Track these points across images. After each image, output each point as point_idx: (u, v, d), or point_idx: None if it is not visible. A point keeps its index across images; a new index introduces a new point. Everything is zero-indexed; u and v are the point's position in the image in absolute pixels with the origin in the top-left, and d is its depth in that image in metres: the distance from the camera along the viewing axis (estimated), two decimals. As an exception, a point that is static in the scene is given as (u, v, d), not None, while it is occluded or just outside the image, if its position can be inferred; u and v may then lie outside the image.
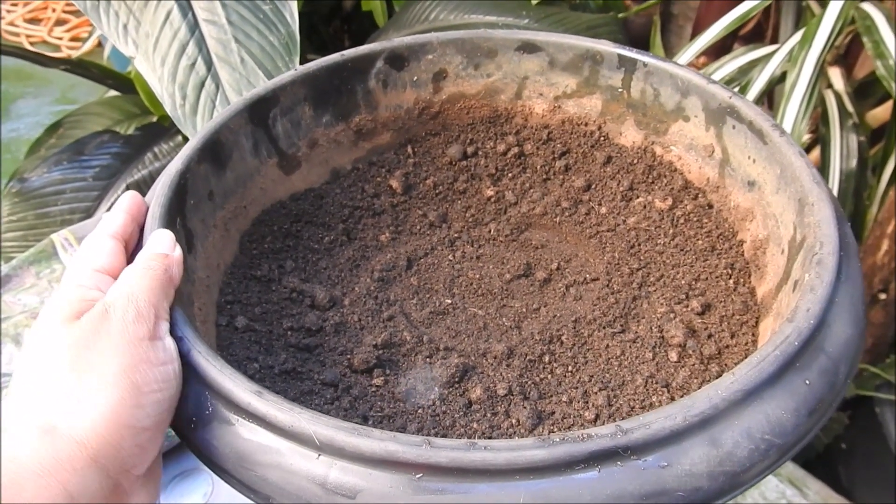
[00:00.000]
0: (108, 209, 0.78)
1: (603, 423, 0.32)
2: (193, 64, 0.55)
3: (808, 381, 0.25)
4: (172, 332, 0.28)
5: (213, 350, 0.27)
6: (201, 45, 0.56)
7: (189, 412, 0.26)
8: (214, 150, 0.38)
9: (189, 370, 0.26)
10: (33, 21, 1.99)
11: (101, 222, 0.32)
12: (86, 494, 0.23)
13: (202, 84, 0.55)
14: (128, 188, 0.80)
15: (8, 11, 1.98)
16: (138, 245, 0.32)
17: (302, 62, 0.57)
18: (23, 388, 0.25)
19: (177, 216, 0.34)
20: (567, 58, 0.45)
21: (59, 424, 0.23)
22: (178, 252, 0.31)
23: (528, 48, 0.45)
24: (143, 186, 0.81)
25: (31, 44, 1.93)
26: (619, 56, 0.43)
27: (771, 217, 0.36)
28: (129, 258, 0.31)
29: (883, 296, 0.83)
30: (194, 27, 0.56)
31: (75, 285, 0.28)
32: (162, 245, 0.31)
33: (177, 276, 0.30)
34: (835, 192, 0.69)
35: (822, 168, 0.69)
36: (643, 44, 0.96)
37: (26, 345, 0.27)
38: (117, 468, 0.24)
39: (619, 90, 0.44)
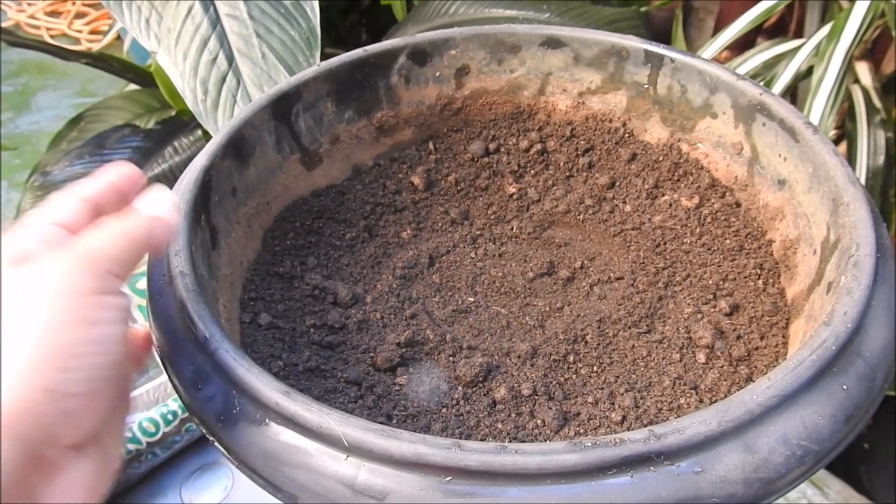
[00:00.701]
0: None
1: (630, 425, 0.32)
2: (215, 59, 0.55)
3: (845, 387, 0.25)
4: (199, 331, 0.27)
5: (239, 348, 0.27)
6: (223, 39, 0.56)
7: (216, 410, 0.26)
8: (238, 146, 0.38)
9: (216, 368, 0.26)
10: (53, 14, 2.01)
11: (77, 184, 0.27)
12: (5, 474, 0.20)
13: (223, 79, 0.55)
14: (148, 182, 0.80)
15: (29, 4, 2.00)
16: (177, 237, 0.30)
17: (321, 56, 0.57)
18: None
19: (201, 212, 0.34)
20: (592, 53, 0.44)
21: None
22: (172, 216, 0.27)
23: (553, 43, 0.45)
24: (163, 180, 0.81)
25: (52, 37, 1.94)
26: (646, 52, 0.42)
27: (802, 216, 0.35)
28: None
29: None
30: (216, 22, 0.56)
31: (27, 231, 0.25)
32: (157, 205, 0.27)
33: (161, 240, 0.26)
34: (861, 190, 0.67)
35: (849, 164, 0.68)
36: (665, 38, 0.95)
37: None
38: (39, 437, 0.21)
39: (645, 86, 0.43)
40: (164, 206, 0.27)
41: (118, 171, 0.28)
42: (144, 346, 0.30)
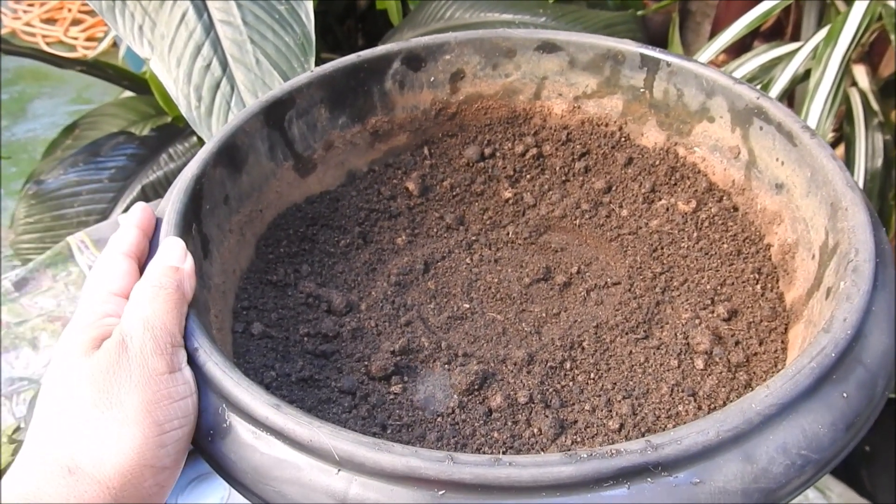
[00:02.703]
0: (124, 211, 0.78)
1: (627, 433, 0.31)
2: (209, 65, 0.55)
3: (845, 394, 0.24)
4: (188, 343, 0.27)
5: (229, 360, 0.27)
6: (216, 46, 0.55)
7: (206, 425, 0.25)
8: (230, 154, 0.38)
9: (206, 382, 0.26)
10: (49, 21, 2.00)
11: (112, 240, 0.32)
12: None
13: (217, 85, 0.55)
14: (143, 190, 0.80)
15: (24, 12, 2.00)
16: (149, 257, 0.32)
17: (316, 62, 0.57)
18: (46, 423, 0.25)
19: (193, 222, 0.34)
20: (588, 57, 0.44)
21: (83, 464, 0.24)
22: (189, 264, 0.30)
23: (548, 48, 0.44)
24: (158, 188, 0.81)
25: (48, 44, 1.94)
26: (642, 55, 0.42)
27: (800, 221, 0.35)
28: (141, 272, 0.31)
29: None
30: (209, 28, 0.56)
31: (92, 311, 0.28)
32: (173, 257, 0.30)
33: (189, 290, 0.30)
34: (859, 192, 0.67)
35: (847, 167, 0.68)
36: (661, 41, 0.95)
37: (47, 376, 0.27)
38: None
39: (642, 90, 0.43)
40: (177, 254, 0.30)
41: (140, 215, 0.32)
42: None
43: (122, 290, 0.29)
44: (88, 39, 1.94)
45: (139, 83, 0.96)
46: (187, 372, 0.26)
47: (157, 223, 0.33)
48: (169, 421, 0.25)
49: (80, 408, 0.24)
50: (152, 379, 0.25)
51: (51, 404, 0.25)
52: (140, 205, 0.34)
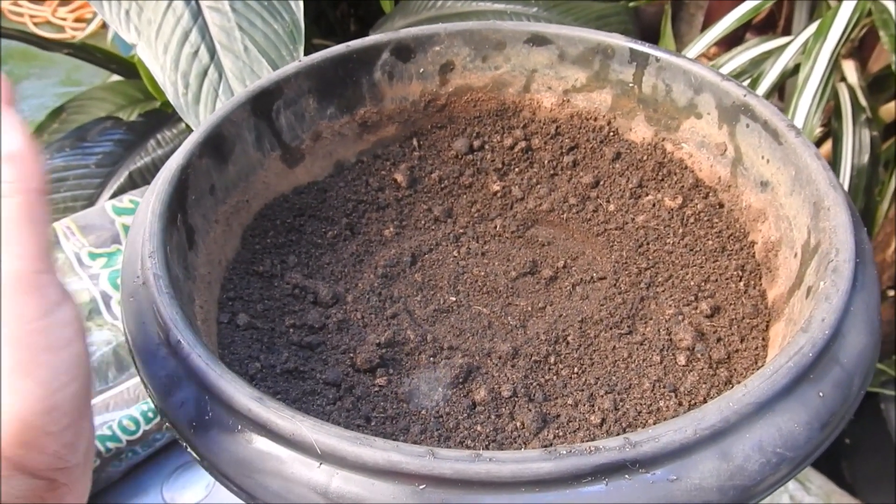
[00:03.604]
0: (111, 197, 0.77)
1: (609, 428, 0.31)
2: (196, 52, 0.54)
3: (821, 394, 0.25)
4: (171, 335, 0.27)
5: (213, 351, 0.27)
6: (204, 32, 0.55)
7: (189, 416, 0.25)
8: (216, 144, 0.37)
9: (188, 374, 0.26)
10: (37, 1, 1.97)
11: None
12: (18, 498, 0.21)
13: (205, 72, 0.55)
14: (131, 176, 0.79)
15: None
16: (152, 237, 0.29)
17: (309, 47, 0.56)
18: None
19: (177, 212, 0.33)
20: (577, 51, 0.44)
21: None
22: (34, 147, 0.22)
23: (538, 41, 0.44)
24: (146, 174, 0.80)
25: (35, 24, 1.91)
26: (631, 50, 0.42)
27: (784, 219, 0.35)
28: None
29: (892, 293, 0.82)
30: (197, 14, 0.55)
31: None
32: (10, 142, 0.22)
33: (42, 182, 0.22)
34: (846, 188, 0.68)
35: (834, 163, 0.68)
36: (654, 33, 0.95)
37: None
38: (48, 469, 0.22)
39: (630, 85, 0.43)
40: (19, 139, 0.22)
41: None
42: None
43: None
44: (77, 20, 1.92)
45: (127, 67, 0.95)
46: (68, 308, 0.22)
47: (162, 196, 0.31)
48: (57, 377, 0.21)
49: None
50: (27, 333, 0.20)
51: None
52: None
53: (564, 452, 0.22)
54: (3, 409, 0.20)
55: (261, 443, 0.24)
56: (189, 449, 0.26)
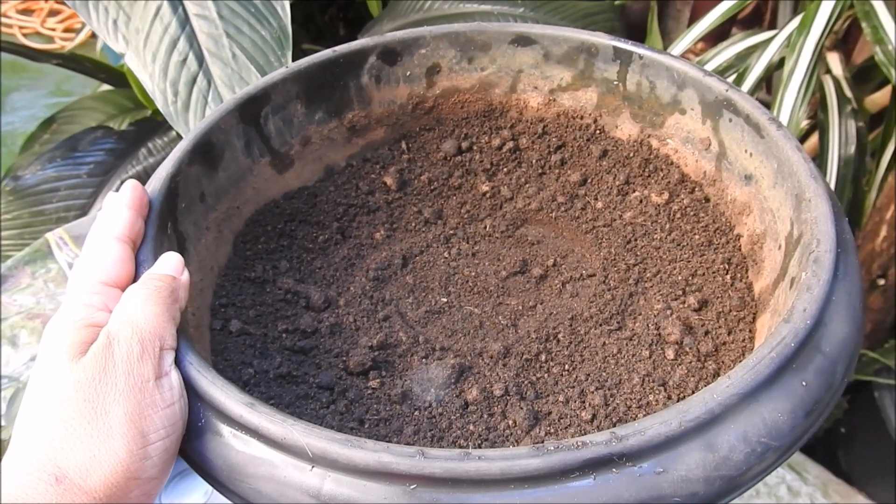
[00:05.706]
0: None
1: (599, 423, 0.32)
2: (185, 60, 0.55)
3: (804, 383, 0.25)
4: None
5: (205, 358, 0.27)
6: (192, 40, 0.55)
7: (182, 423, 0.26)
8: (205, 151, 0.38)
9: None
10: (26, 12, 1.97)
11: (103, 221, 0.30)
12: None
13: (194, 80, 0.55)
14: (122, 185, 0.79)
15: (2, 3, 1.96)
16: (143, 242, 0.31)
17: (298, 51, 0.57)
18: (33, 429, 0.25)
19: (168, 220, 0.34)
20: (562, 50, 0.44)
21: (70, 474, 0.24)
22: (186, 276, 0.30)
23: (523, 41, 0.44)
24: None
25: (25, 35, 1.91)
26: (615, 48, 0.42)
27: (768, 212, 0.36)
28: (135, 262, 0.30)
29: (881, 281, 0.82)
30: (185, 22, 0.55)
31: (80, 304, 0.27)
32: (170, 266, 0.29)
33: (183, 299, 0.29)
34: (833, 179, 0.68)
35: (821, 154, 0.69)
36: (641, 30, 0.95)
37: (34, 378, 0.26)
38: None
39: (615, 83, 0.43)
40: (174, 265, 0.30)
41: (132, 194, 0.31)
42: None
43: (114, 280, 0.28)
44: (66, 31, 1.91)
45: (117, 76, 0.95)
46: (175, 377, 0.26)
47: (151, 204, 0.32)
48: (154, 431, 0.25)
49: (67, 418, 0.24)
50: (137, 387, 0.25)
51: (38, 411, 0.25)
52: (131, 183, 0.31)
53: (552, 448, 0.23)
54: (108, 451, 0.24)
55: (253, 447, 0.24)
56: (183, 456, 0.26)
